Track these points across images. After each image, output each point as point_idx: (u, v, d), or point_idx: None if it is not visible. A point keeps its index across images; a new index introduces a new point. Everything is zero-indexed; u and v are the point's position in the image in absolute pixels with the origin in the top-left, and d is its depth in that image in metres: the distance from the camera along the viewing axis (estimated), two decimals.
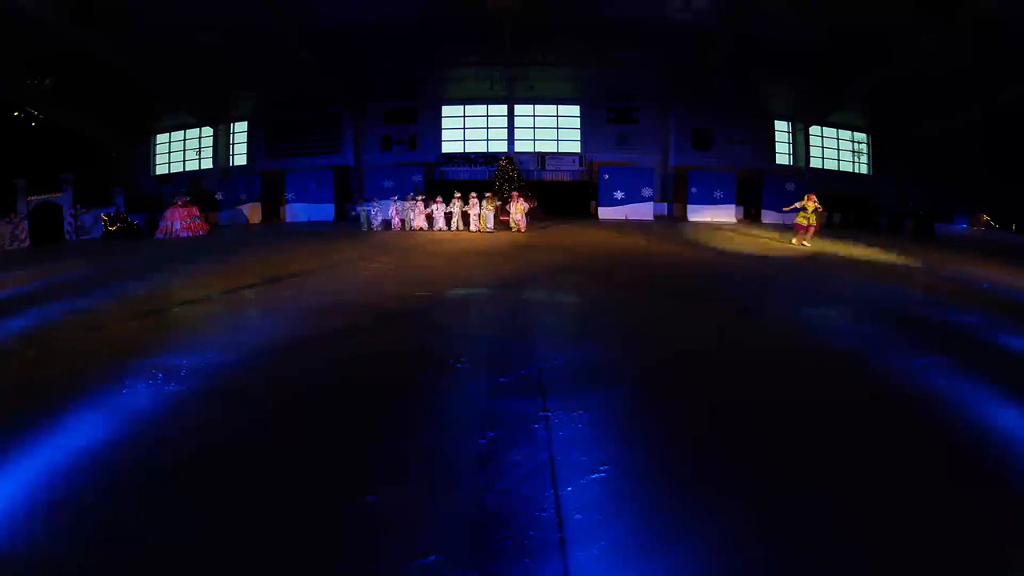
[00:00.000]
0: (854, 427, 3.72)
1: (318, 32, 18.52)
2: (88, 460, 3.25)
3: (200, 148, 24.60)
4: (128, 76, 19.49)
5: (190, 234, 18.16)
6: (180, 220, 18.20)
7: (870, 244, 14.36)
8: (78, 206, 18.58)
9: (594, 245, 13.70)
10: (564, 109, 23.73)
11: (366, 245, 14.18)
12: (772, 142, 23.97)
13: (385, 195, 21.74)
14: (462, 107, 23.69)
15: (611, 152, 23.33)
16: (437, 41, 19.69)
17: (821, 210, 14.46)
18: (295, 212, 22.29)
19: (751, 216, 22.44)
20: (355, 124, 23.44)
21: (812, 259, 11.79)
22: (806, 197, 14.18)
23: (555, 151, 23.61)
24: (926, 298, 7.81)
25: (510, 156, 22.11)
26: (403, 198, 19.07)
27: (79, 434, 3.56)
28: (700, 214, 21.63)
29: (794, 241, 13.93)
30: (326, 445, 3.48)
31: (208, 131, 24.38)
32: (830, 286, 8.93)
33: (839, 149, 24.66)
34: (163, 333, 6.08)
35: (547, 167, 23.39)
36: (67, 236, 18.35)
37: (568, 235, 16.04)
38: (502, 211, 19.87)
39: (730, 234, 16.58)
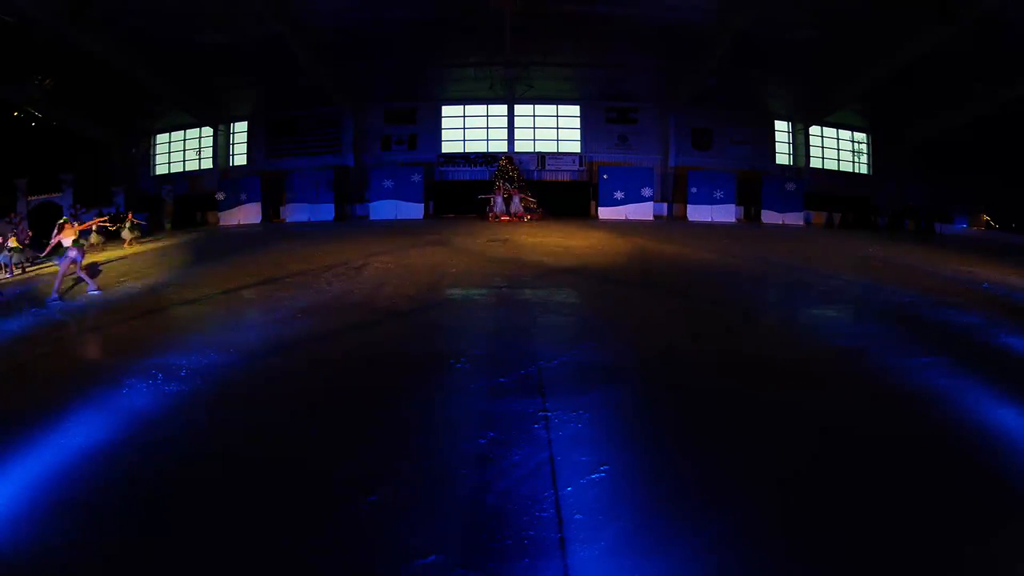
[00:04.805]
0: (853, 428, 3.72)
1: (318, 32, 18.48)
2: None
3: (200, 148, 24.55)
4: (128, 76, 19.45)
5: None
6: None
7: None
8: (78, 206, 18.57)
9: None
10: (564, 109, 23.68)
11: None
12: (772, 142, 23.89)
13: (386, 195, 21.81)
14: (462, 107, 23.63)
15: (611, 152, 23.28)
16: (437, 41, 19.63)
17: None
18: (295, 212, 22.26)
19: (751, 216, 22.41)
20: (355, 124, 23.37)
21: None
22: None
23: (555, 151, 23.55)
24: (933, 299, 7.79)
25: (510, 156, 22.10)
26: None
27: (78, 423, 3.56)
28: (700, 214, 21.61)
29: None
30: (326, 445, 3.48)
31: (208, 131, 24.32)
32: None
33: (839, 149, 24.61)
34: (163, 331, 6.08)
35: (547, 167, 23.35)
36: None
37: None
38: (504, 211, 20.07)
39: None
